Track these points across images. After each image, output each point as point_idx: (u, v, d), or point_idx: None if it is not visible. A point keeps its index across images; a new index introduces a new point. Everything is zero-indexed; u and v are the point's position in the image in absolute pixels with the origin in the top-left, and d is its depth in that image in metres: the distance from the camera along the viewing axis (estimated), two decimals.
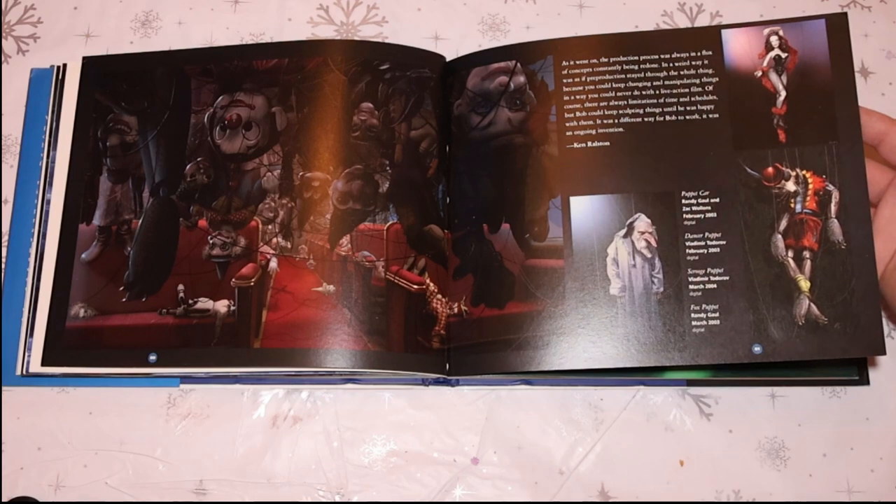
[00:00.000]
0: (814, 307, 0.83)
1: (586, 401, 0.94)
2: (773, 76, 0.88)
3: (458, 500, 0.90)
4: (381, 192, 0.92)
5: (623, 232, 0.88)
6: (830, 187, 0.85)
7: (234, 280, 0.90)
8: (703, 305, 0.85)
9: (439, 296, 0.90)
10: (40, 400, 0.92)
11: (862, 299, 0.83)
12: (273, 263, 0.91)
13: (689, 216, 0.87)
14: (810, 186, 0.85)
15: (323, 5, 1.08)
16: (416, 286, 0.90)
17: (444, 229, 0.93)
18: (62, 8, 1.06)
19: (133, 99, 0.97)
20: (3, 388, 0.92)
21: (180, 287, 0.90)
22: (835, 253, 0.84)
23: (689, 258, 0.86)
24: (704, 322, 0.85)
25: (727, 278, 0.85)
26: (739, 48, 0.90)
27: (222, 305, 0.89)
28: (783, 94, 0.88)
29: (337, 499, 0.90)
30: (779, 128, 0.88)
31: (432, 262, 0.91)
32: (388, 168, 0.93)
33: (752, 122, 0.88)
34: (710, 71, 0.90)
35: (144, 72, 0.99)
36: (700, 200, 0.87)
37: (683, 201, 0.87)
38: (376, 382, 0.93)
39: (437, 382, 0.93)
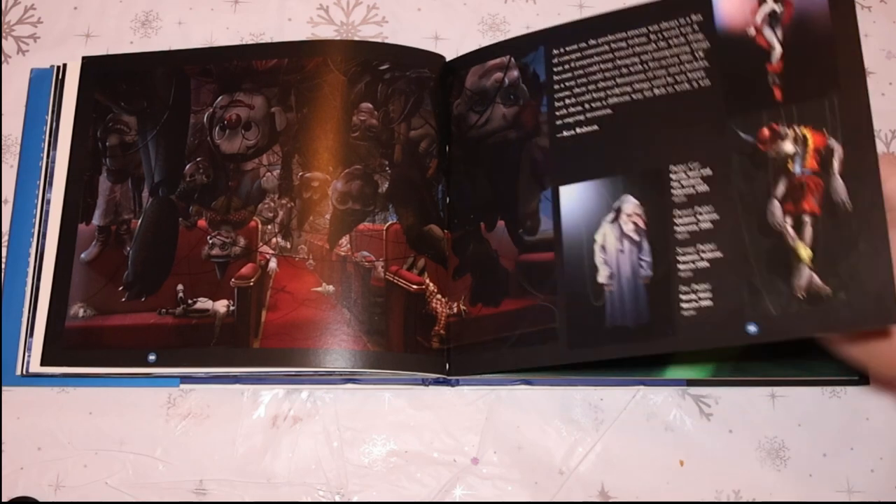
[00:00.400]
0: (816, 277, 0.76)
1: (586, 401, 0.94)
2: (768, 32, 0.83)
3: (458, 500, 0.90)
4: (381, 193, 0.92)
5: (611, 216, 0.85)
6: (832, 143, 0.77)
7: (233, 280, 0.90)
8: (694, 286, 0.80)
9: (439, 296, 0.90)
10: (40, 400, 0.92)
11: (870, 264, 0.74)
12: (272, 263, 0.91)
13: (679, 192, 0.83)
14: (810, 144, 0.79)
15: (323, 5, 1.08)
16: (415, 286, 0.90)
17: (443, 229, 0.93)
18: (62, 8, 1.07)
19: (132, 99, 0.97)
20: (3, 388, 0.92)
21: (180, 287, 0.91)
22: (839, 215, 0.76)
23: (677, 237, 0.82)
24: (695, 304, 0.80)
25: (720, 254, 0.80)
26: (730, 7, 0.85)
27: (221, 305, 0.90)
28: (778, 49, 0.82)
29: (337, 499, 0.90)
30: (774, 85, 0.81)
31: (432, 262, 0.92)
32: (387, 168, 0.93)
33: (745, 83, 0.83)
34: (701, 36, 0.85)
35: (144, 72, 0.99)
36: (690, 174, 0.83)
37: (672, 176, 0.84)
38: (376, 382, 0.93)
39: (437, 382, 0.93)
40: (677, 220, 0.82)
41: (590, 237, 0.86)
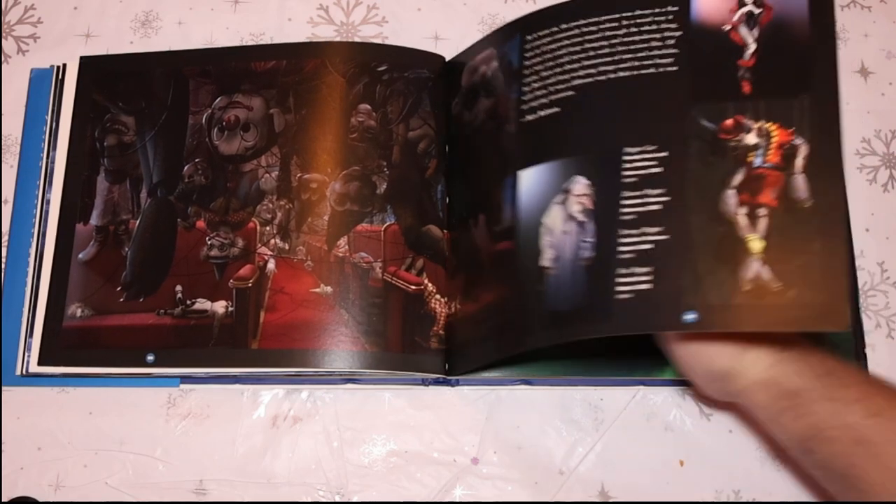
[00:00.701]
0: (766, 271, 0.73)
1: (586, 401, 0.94)
2: (744, 30, 0.81)
3: (458, 500, 0.90)
4: (379, 194, 0.93)
5: (560, 198, 0.83)
6: (798, 140, 0.76)
7: (231, 281, 0.91)
8: (634, 268, 0.77)
9: (438, 296, 0.90)
10: (40, 400, 0.92)
11: (825, 264, 0.72)
12: (271, 265, 0.91)
13: (630, 173, 0.80)
14: (774, 139, 0.77)
15: (323, 5, 1.08)
16: (413, 287, 0.90)
17: (443, 229, 0.93)
18: (62, 8, 1.07)
19: (131, 99, 0.98)
20: (3, 388, 0.92)
21: (178, 288, 0.91)
22: (797, 211, 0.74)
23: (623, 217, 0.79)
24: (633, 287, 0.77)
25: (665, 237, 0.77)
26: (709, 4, 0.83)
27: (220, 306, 0.90)
28: (753, 46, 0.80)
29: (337, 499, 0.90)
30: (743, 79, 0.79)
31: (430, 263, 0.91)
32: (385, 169, 0.93)
33: (714, 73, 0.81)
34: (674, 26, 0.83)
35: (142, 72, 0.99)
36: (645, 156, 0.80)
37: (625, 157, 0.80)
38: (376, 382, 0.93)
39: (437, 382, 0.93)
40: (625, 201, 0.79)
41: (546, 220, 0.83)
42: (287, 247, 0.91)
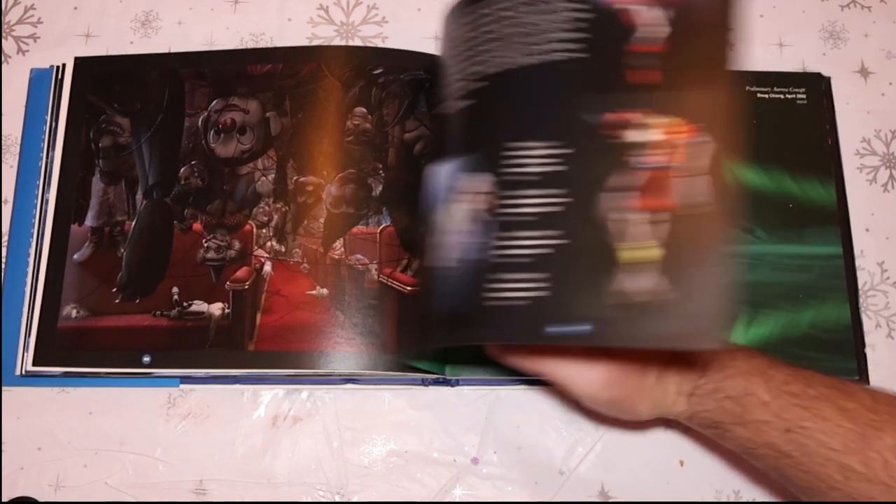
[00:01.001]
0: (664, 281, 0.65)
1: None
2: (655, 12, 0.72)
3: (458, 500, 0.90)
4: (375, 196, 0.93)
5: (460, 196, 0.76)
6: (703, 138, 0.68)
7: (228, 283, 0.91)
8: (530, 273, 0.69)
9: None
10: (40, 400, 0.92)
11: (721, 275, 0.65)
12: (267, 267, 0.91)
13: (535, 169, 0.72)
14: (676, 136, 0.68)
15: (323, 5, 1.08)
16: (409, 288, 0.90)
17: None
18: (62, 8, 1.07)
19: (126, 100, 0.98)
20: (3, 388, 0.92)
21: (175, 289, 0.91)
22: (697, 215, 0.66)
23: (520, 219, 0.71)
24: (528, 293, 0.69)
25: (562, 242, 0.69)
26: None
27: (217, 308, 0.90)
28: (664, 31, 0.71)
29: (337, 499, 0.90)
30: (651, 68, 0.71)
31: None
32: (381, 172, 0.93)
33: (620, 62, 0.72)
34: (584, 6, 0.73)
35: (138, 73, 0.99)
36: (550, 151, 0.72)
37: (524, 153, 0.73)
38: (376, 382, 0.93)
39: (436, 382, 0.93)
40: (522, 201, 0.72)
41: (440, 218, 0.78)
42: (283, 249, 0.91)
